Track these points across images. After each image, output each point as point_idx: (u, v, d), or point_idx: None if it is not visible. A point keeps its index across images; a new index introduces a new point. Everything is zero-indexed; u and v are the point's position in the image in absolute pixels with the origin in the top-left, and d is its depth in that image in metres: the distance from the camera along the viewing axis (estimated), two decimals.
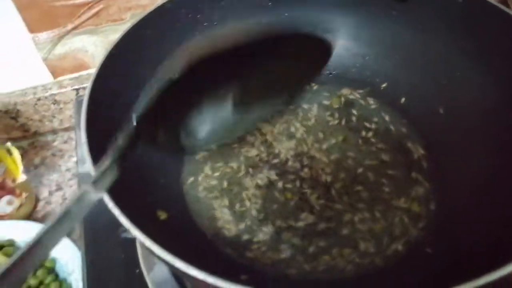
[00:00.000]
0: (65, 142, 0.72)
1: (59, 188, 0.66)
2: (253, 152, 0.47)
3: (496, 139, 0.40)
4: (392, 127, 0.48)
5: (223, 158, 0.47)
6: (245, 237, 0.41)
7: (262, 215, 0.42)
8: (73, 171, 0.68)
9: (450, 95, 0.46)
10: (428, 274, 0.36)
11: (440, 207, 0.42)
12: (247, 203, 0.43)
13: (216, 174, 0.46)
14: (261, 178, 0.45)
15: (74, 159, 0.69)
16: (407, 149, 0.46)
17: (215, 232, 0.41)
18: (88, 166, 0.32)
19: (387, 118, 0.49)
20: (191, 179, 0.46)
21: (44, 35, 0.64)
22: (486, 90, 0.42)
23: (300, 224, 0.42)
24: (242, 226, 0.42)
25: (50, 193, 0.65)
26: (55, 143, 0.72)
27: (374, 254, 0.39)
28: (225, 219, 0.42)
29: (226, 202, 0.44)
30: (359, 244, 0.40)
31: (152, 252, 0.29)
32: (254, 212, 0.43)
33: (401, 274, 0.38)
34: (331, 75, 0.52)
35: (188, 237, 0.39)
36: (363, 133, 0.48)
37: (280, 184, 0.44)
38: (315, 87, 0.52)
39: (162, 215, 0.39)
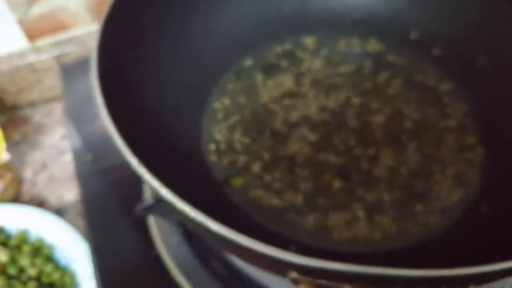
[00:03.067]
0: (47, 115, 0.64)
1: (44, 166, 0.59)
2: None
3: None
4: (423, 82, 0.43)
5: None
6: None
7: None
8: (59, 147, 0.61)
9: (494, 44, 0.41)
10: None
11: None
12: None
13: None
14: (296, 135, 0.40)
15: (59, 134, 0.62)
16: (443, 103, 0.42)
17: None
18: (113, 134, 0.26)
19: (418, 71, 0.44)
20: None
21: None
22: None
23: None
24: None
25: (36, 173, 0.58)
26: (36, 117, 0.64)
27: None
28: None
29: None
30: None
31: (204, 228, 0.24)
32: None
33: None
34: (356, 23, 0.46)
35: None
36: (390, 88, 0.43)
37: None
38: (343, 40, 0.46)
39: None
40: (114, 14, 0.34)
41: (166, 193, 0.24)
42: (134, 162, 0.25)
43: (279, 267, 0.22)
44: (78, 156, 0.48)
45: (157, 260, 0.39)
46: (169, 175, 0.32)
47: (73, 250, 0.46)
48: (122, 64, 0.34)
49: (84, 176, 0.47)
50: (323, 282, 0.21)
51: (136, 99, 0.34)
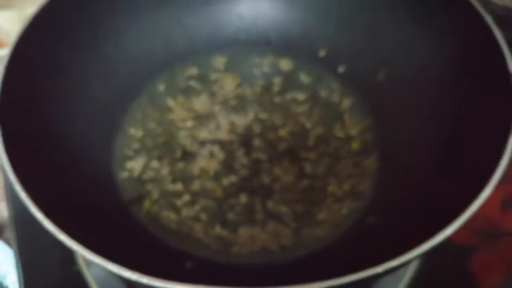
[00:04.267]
0: None
1: None
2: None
3: (441, 102, 0.40)
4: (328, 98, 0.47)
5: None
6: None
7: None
8: None
9: (392, 60, 0.44)
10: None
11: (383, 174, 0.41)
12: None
13: None
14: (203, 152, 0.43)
15: None
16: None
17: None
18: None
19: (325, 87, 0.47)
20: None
21: None
22: (430, 55, 0.41)
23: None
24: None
25: None
26: None
27: None
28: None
29: None
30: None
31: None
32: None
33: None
34: (270, 43, 0.49)
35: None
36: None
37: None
38: (255, 59, 0.49)
39: None
40: (24, 34, 0.37)
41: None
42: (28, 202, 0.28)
43: None
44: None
45: (79, 276, 0.42)
46: (71, 200, 0.34)
47: (5, 266, 0.48)
48: (25, 86, 0.36)
49: (13, 192, 0.48)
50: None
51: (40, 122, 0.36)
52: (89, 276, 0.41)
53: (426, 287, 0.42)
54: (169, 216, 0.39)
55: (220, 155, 0.42)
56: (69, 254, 0.43)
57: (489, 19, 0.36)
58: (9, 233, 0.53)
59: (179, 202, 0.40)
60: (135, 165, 0.42)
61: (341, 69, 0.47)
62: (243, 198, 0.40)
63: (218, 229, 0.39)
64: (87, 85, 0.43)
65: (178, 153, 0.42)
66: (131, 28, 0.46)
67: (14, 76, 0.36)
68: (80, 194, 0.36)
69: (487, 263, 0.44)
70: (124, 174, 0.41)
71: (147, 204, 0.39)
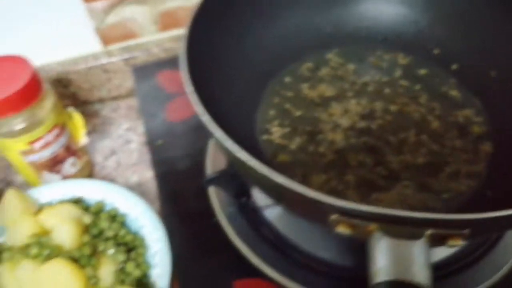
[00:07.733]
0: (114, 111, 0.74)
1: (112, 153, 0.69)
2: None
3: None
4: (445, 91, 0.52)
5: None
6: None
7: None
8: (125, 138, 0.70)
9: (503, 61, 0.49)
10: None
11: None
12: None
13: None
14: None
15: (124, 126, 0.72)
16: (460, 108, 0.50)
17: None
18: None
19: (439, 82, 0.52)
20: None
21: (98, 4, 0.66)
22: None
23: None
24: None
25: (105, 158, 0.68)
26: (104, 112, 0.74)
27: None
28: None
29: None
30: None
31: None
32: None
33: None
34: (386, 40, 0.55)
35: None
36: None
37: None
38: (375, 53, 0.55)
39: None
40: (193, 28, 0.43)
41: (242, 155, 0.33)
42: (218, 133, 0.34)
43: (322, 211, 0.30)
44: (151, 140, 0.58)
45: (217, 226, 0.48)
46: None
47: (142, 218, 0.55)
48: (201, 65, 0.43)
49: (156, 155, 0.56)
50: (356, 221, 0.30)
51: (211, 94, 0.43)
52: (226, 225, 0.48)
53: None
54: (307, 171, 0.45)
55: (343, 131, 0.48)
56: (209, 208, 0.49)
57: None
58: (148, 193, 0.61)
59: (312, 165, 0.46)
60: (273, 133, 0.48)
61: (454, 66, 0.52)
62: (370, 162, 0.45)
63: (352, 193, 0.44)
64: (236, 68, 0.49)
65: (308, 127, 0.49)
66: (270, 26, 0.53)
67: (191, 56, 0.42)
68: None
69: None
70: (265, 139, 0.48)
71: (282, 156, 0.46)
